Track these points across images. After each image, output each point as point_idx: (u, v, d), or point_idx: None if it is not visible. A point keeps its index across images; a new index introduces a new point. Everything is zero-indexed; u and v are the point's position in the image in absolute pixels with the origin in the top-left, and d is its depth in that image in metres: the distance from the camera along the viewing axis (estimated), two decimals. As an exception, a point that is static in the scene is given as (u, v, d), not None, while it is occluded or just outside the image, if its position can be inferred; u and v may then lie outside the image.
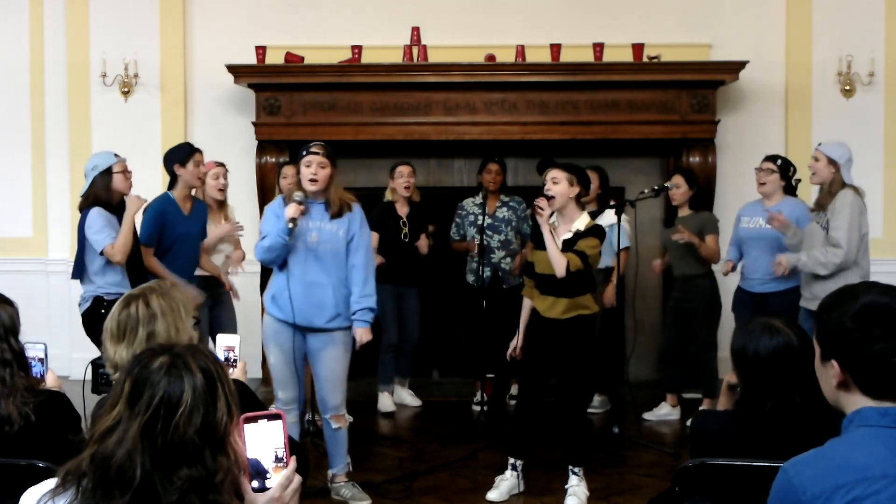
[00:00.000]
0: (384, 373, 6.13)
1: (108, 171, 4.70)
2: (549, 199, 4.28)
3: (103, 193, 4.69)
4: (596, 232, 4.36)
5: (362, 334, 4.28)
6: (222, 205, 5.51)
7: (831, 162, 4.81)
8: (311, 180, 4.17)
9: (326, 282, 4.22)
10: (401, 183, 5.95)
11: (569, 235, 4.33)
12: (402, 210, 6.00)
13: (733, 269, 5.50)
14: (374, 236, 5.91)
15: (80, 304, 4.77)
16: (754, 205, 5.43)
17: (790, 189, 5.33)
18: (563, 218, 4.39)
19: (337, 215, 4.23)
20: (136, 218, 4.76)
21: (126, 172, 4.80)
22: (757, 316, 5.06)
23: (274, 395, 4.44)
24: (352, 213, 4.28)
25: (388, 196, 6.04)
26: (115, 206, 4.73)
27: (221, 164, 5.48)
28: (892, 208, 6.77)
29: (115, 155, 4.80)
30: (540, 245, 4.38)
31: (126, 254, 4.66)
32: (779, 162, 5.30)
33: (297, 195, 4.17)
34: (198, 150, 5.08)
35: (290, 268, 4.20)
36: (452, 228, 6.20)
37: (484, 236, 5.90)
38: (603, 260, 5.84)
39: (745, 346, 2.42)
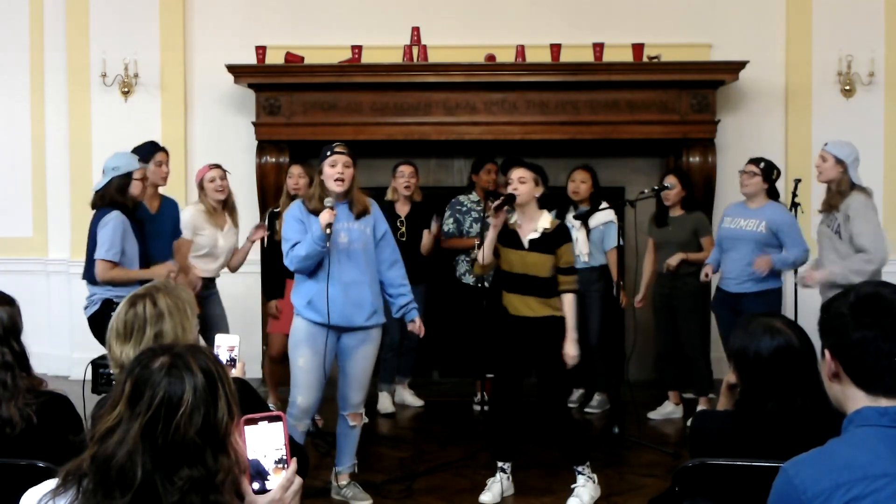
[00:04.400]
0: (386, 372, 6.13)
1: (127, 175, 4.64)
2: (513, 198, 4.33)
3: (118, 196, 4.60)
4: (567, 235, 4.44)
5: (421, 325, 4.48)
6: (226, 206, 5.47)
7: (839, 162, 4.79)
8: (338, 180, 4.16)
9: (363, 280, 4.25)
10: (401, 182, 5.95)
11: (535, 235, 4.36)
12: (402, 210, 6.00)
13: (714, 271, 5.48)
14: None
15: (86, 307, 4.69)
16: (737, 206, 5.43)
17: (773, 192, 5.31)
18: (524, 217, 4.41)
19: (361, 214, 4.26)
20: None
21: (144, 180, 4.76)
22: (733, 315, 5.11)
23: (290, 400, 4.30)
24: (374, 210, 4.36)
25: (390, 195, 6.03)
26: (130, 210, 4.67)
27: (217, 166, 5.46)
28: (893, 208, 6.77)
29: (140, 160, 4.77)
30: (510, 245, 4.39)
31: (111, 283, 4.58)
32: (762, 165, 5.26)
33: (328, 200, 4.14)
34: (161, 150, 5.13)
35: (329, 270, 4.17)
36: (450, 225, 6.14)
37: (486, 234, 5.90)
38: (595, 258, 5.87)
39: (745, 347, 2.40)
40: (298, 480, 1.78)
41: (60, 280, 6.99)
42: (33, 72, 7.02)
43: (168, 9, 6.85)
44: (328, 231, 4.07)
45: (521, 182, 4.33)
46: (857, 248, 4.69)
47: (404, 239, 5.93)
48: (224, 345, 2.73)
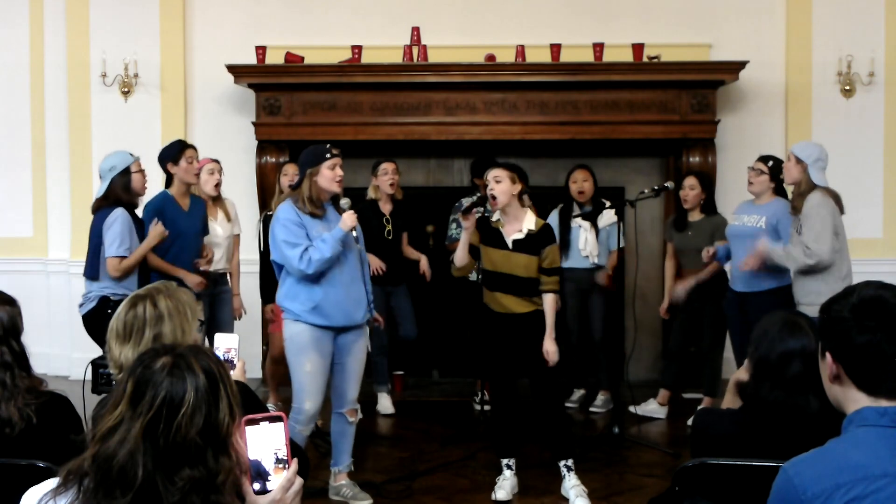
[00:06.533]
0: (380, 374, 6.12)
1: (126, 172, 4.70)
2: (493, 199, 4.33)
3: (124, 195, 4.68)
4: (552, 236, 4.42)
5: (379, 317, 4.63)
6: (217, 200, 5.52)
7: (799, 162, 4.76)
8: (339, 182, 4.21)
9: (357, 276, 4.30)
10: (385, 180, 5.94)
11: (520, 236, 4.36)
12: (386, 208, 6.00)
13: (712, 256, 5.42)
14: None
15: (81, 304, 4.72)
16: (746, 204, 5.39)
17: (782, 191, 5.28)
18: (507, 217, 4.40)
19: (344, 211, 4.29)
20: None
21: (142, 171, 4.80)
22: (741, 316, 5.07)
23: (296, 406, 4.24)
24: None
25: (371, 194, 6.03)
26: (135, 207, 4.75)
27: (216, 161, 5.50)
28: (893, 208, 6.77)
29: (130, 154, 4.80)
30: (493, 244, 4.39)
31: (125, 274, 4.64)
32: (770, 163, 5.21)
33: (345, 202, 4.22)
34: (189, 147, 5.14)
35: (332, 272, 4.19)
36: (453, 230, 6.12)
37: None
38: (601, 258, 5.87)
39: (762, 344, 2.38)
40: (299, 481, 1.78)
41: (60, 280, 6.99)
42: (33, 72, 7.02)
43: (168, 9, 6.84)
44: (354, 234, 4.15)
45: (497, 182, 4.32)
46: (805, 244, 4.68)
47: (390, 237, 5.95)
48: (222, 345, 2.70)
